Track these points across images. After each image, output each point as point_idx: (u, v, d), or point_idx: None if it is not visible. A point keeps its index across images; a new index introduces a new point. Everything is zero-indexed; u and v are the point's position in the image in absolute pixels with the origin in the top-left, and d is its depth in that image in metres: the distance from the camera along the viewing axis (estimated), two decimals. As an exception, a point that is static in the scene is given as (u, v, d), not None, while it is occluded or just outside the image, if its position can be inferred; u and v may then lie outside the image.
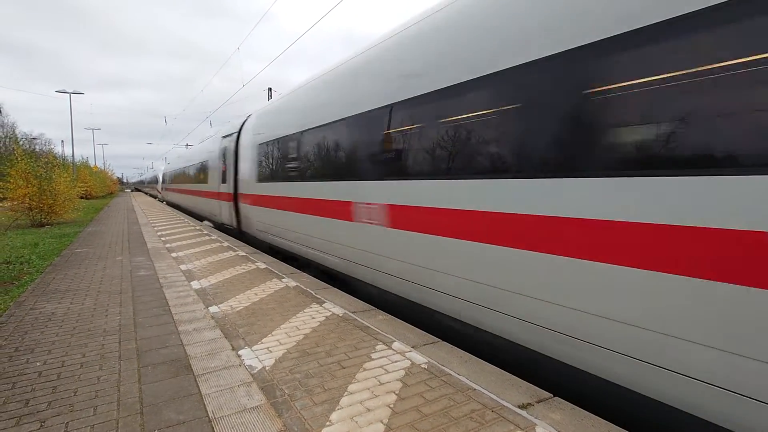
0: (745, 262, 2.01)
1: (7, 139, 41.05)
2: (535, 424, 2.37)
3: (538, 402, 2.63)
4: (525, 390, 2.78)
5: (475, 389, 2.78)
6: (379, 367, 3.11)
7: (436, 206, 3.92)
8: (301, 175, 6.84)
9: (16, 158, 14.59)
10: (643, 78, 2.41)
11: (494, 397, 2.68)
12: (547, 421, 2.41)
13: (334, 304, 4.70)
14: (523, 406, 2.57)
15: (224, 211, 12.31)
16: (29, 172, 14.34)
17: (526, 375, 3.14)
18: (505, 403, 2.60)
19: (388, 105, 4.61)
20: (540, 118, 2.97)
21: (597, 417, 2.48)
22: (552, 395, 2.72)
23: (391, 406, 2.57)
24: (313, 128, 6.43)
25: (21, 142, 17.88)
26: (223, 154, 12.22)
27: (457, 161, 3.71)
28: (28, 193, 14.36)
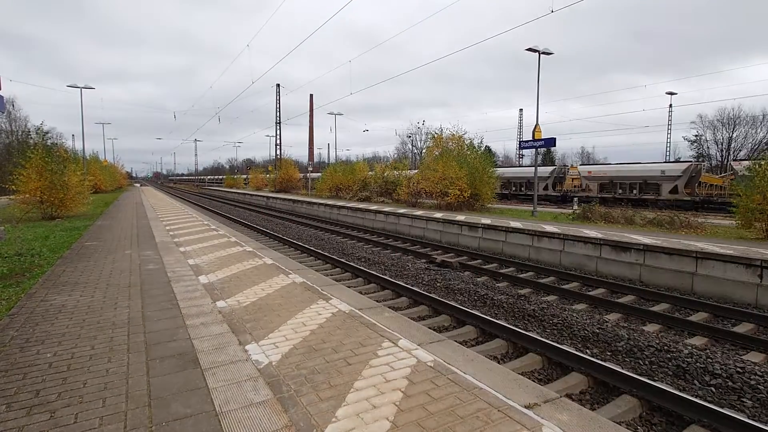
0: None
1: (21, 133, 41.50)
2: (542, 425, 2.36)
3: (545, 402, 2.61)
4: (531, 390, 2.76)
5: (481, 388, 2.77)
6: (385, 365, 3.11)
7: None
8: None
9: (35, 152, 14.76)
10: None
11: (500, 396, 2.67)
12: (554, 421, 2.40)
13: (341, 301, 4.71)
14: (529, 406, 2.55)
15: None
16: (42, 166, 14.54)
17: None
18: (512, 403, 2.58)
19: None
20: None
21: (604, 419, 2.46)
22: (558, 395, 2.70)
23: (397, 403, 2.57)
24: None
25: (35, 137, 18.07)
26: None
27: None
28: (40, 186, 14.56)
